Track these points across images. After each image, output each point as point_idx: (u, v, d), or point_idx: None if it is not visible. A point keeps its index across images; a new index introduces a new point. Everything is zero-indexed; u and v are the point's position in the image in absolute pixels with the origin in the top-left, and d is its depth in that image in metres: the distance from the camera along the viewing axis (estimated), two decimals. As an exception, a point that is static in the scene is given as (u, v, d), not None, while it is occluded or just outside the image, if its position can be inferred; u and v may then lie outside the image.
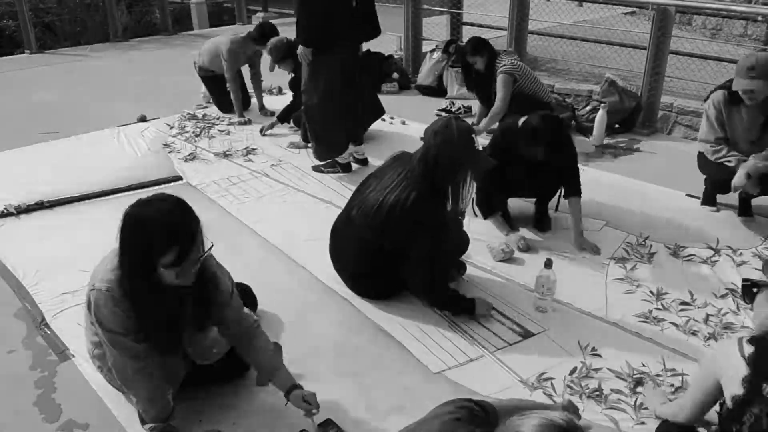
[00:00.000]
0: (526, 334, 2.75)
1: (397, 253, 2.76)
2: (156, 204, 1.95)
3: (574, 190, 3.47)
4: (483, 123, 4.96)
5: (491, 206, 3.62)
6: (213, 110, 5.75)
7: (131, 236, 1.92)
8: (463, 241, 3.20)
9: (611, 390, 2.40)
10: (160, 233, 1.87)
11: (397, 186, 2.73)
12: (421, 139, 2.78)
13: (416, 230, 2.68)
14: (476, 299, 2.85)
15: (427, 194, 2.68)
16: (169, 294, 1.98)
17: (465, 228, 3.24)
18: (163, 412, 2.13)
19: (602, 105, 5.12)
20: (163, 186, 4.22)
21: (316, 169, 4.42)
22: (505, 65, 4.75)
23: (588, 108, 5.35)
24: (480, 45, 4.91)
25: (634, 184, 4.27)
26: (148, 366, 2.06)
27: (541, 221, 3.66)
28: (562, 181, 3.51)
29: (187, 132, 5.18)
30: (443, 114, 5.65)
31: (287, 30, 5.85)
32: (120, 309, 1.97)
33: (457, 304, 2.84)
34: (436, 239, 2.72)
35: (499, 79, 4.74)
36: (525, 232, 3.58)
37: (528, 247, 3.41)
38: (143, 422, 2.17)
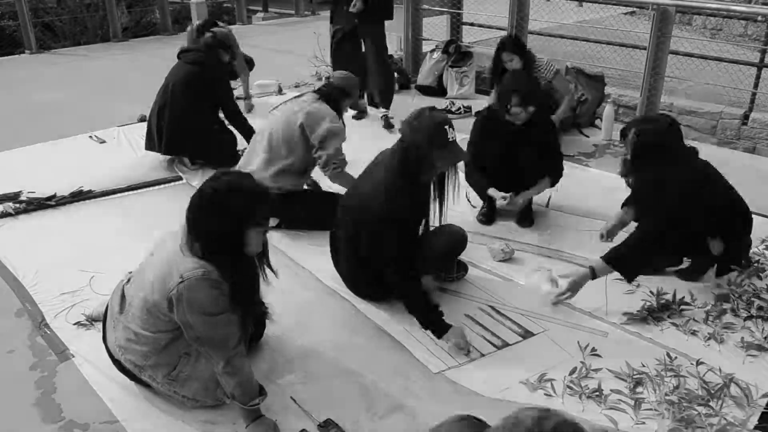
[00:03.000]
0: (526, 334, 2.75)
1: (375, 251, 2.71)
2: (232, 176, 2.12)
3: (552, 174, 3.53)
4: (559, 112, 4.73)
5: (482, 185, 3.55)
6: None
7: (222, 205, 2.04)
8: (457, 241, 3.07)
9: (611, 390, 2.40)
10: (251, 197, 2.06)
11: (374, 181, 2.73)
12: (399, 131, 2.76)
13: (384, 225, 2.64)
14: (454, 327, 2.63)
15: (399, 189, 2.64)
16: (251, 263, 2.18)
17: (462, 225, 3.20)
18: (257, 388, 2.18)
19: (608, 101, 5.12)
20: (163, 186, 4.22)
21: None
22: (549, 63, 4.67)
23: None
24: (521, 43, 4.75)
25: (634, 184, 4.26)
26: (242, 344, 2.15)
27: (523, 216, 3.66)
28: (543, 166, 3.51)
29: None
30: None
31: (289, 29, 5.87)
32: (218, 290, 2.05)
33: (425, 316, 2.66)
34: (404, 236, 2.67)
35: (558, 78, 4.67)
36: (512, 229, 3.59)
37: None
38: (243, 403, 2.14)
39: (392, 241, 2.64)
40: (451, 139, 2.64)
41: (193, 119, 4.34)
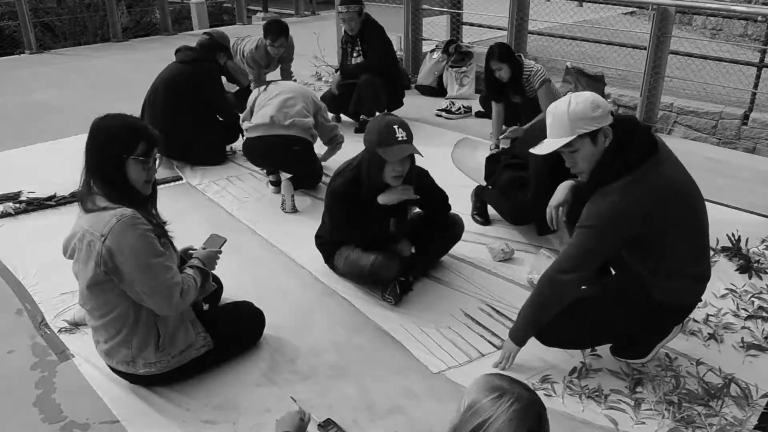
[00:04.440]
0: (526, 334, 2.74)
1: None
2: (115, 115, 2.23)
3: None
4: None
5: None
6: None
7: (103, 136, 2.16)
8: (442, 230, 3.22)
9: (611, 390, 2.40)
10: (130, 129, 2.18)
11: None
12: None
13: (328, 199, 2.97)
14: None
15: (346, 181, 2.88)
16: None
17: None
18: (199, 279, 2.32)
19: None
20: (162, 186, 4.21)
21: None
22: (539, 72, 4.47)
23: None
24: (509, 52, 4.52)
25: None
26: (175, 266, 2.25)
27: (541, 224, 3.65)
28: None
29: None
30: (443, 114, 5.65)
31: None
32: (142, 227, 2.11)
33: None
34: (348, 211, 2.90)
35: (543, 89, 4.44)
36: (512, 229, 3.59)
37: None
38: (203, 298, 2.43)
39: (334, 214, 2.96)
40: (399, 138, 2.75)
41: (174, 120, 4.34)
